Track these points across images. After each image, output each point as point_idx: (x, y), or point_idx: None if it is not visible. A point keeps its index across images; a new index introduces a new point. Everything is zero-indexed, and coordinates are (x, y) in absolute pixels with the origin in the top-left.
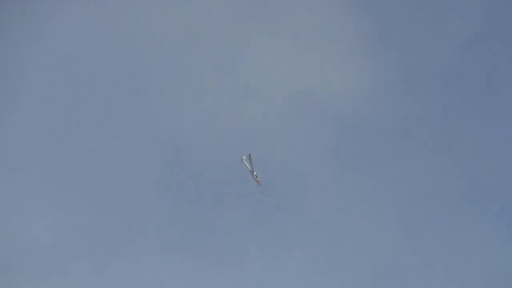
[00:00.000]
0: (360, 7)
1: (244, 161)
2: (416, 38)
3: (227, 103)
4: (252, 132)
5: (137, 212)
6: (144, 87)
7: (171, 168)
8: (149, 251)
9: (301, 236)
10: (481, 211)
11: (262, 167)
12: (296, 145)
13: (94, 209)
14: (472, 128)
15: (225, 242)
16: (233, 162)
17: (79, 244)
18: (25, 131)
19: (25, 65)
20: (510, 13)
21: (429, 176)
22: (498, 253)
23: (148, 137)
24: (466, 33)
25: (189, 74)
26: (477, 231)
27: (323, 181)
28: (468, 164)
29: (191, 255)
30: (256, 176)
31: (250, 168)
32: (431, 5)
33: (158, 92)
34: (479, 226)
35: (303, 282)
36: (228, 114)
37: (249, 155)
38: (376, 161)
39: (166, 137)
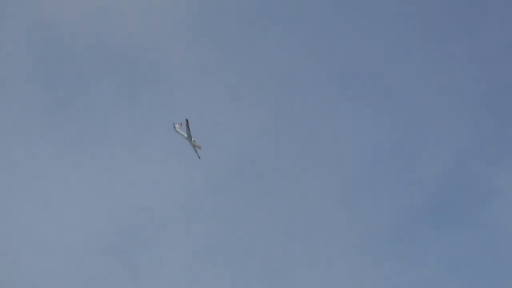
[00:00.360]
0: None
1: (178, 130)
2: None
3: None
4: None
5: None
6: None
7: (36, 43)
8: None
9: (161, 112)
10: (349, 90)
11: (113, 43)
12: (145, 16)
13: None
14: (338, 5)
15: (88, 121)
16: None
17: None
18: None
19: None
20: None
21: (294, 55)
22: (366, 129)
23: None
24: None
25: None
26: (345, 107)
27: (176, 54)
28: (334, 43)
29: (53, 134)
30: (194, 141)
31: (186, 135)
32: None
33: None
34: (346, 103)
35: (163, 165)
36: None
37: (186, 120)
38: (235, 37)
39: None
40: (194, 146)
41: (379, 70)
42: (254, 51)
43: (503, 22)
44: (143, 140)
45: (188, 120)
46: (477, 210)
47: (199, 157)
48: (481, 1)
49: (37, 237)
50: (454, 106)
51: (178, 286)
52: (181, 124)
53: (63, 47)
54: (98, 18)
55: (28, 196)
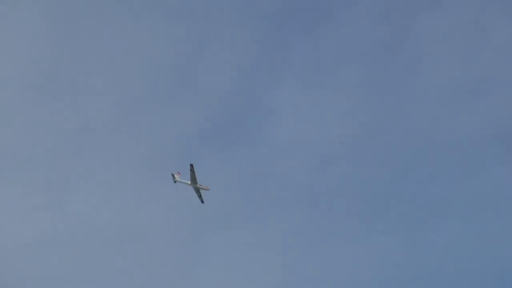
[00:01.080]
0: None
1: (178, 179)
2: None
3: None
4: None
5: None
6: None
7: None
8: None
9: None
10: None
11: None
12: None
13: None
14: None
15: None
16: None
17: None
18: None
19: None
20: None
21: None
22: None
23: None
24: None
25: None
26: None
27: None
28: None
29: None
30: (200, 185)
31: (190, 182)
32: None
33: None
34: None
35: None
36: None
37: (191, 166)
38: None
39: None
40: (199, 190)
41: None
42: None
43: None
44: None
45: (193, 165)
46: (255, 128)
47: (202, 202)
48: None
49: None
50: (239, 23)
51: None
52: (179, 174)
53: None
54: None
55: None
